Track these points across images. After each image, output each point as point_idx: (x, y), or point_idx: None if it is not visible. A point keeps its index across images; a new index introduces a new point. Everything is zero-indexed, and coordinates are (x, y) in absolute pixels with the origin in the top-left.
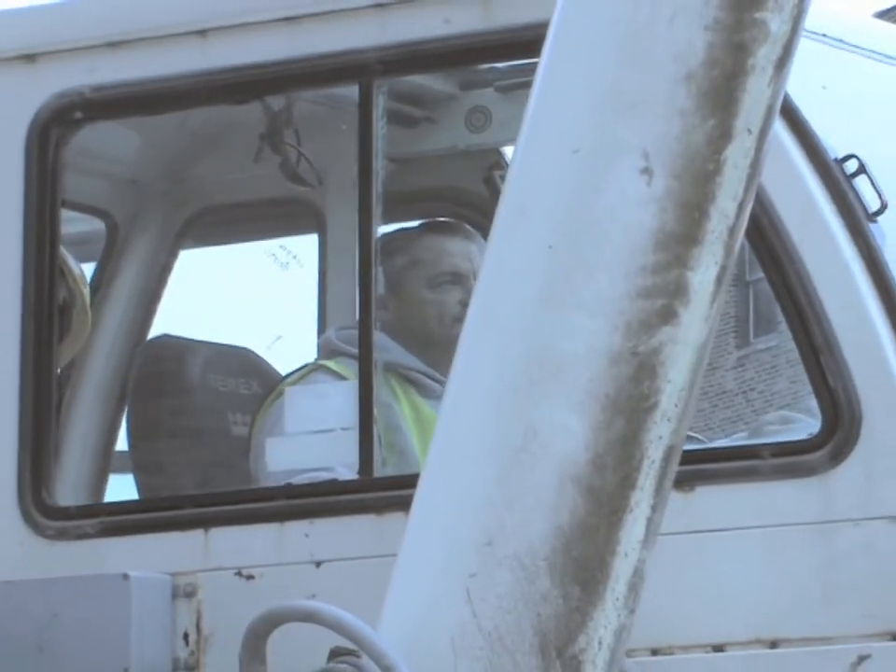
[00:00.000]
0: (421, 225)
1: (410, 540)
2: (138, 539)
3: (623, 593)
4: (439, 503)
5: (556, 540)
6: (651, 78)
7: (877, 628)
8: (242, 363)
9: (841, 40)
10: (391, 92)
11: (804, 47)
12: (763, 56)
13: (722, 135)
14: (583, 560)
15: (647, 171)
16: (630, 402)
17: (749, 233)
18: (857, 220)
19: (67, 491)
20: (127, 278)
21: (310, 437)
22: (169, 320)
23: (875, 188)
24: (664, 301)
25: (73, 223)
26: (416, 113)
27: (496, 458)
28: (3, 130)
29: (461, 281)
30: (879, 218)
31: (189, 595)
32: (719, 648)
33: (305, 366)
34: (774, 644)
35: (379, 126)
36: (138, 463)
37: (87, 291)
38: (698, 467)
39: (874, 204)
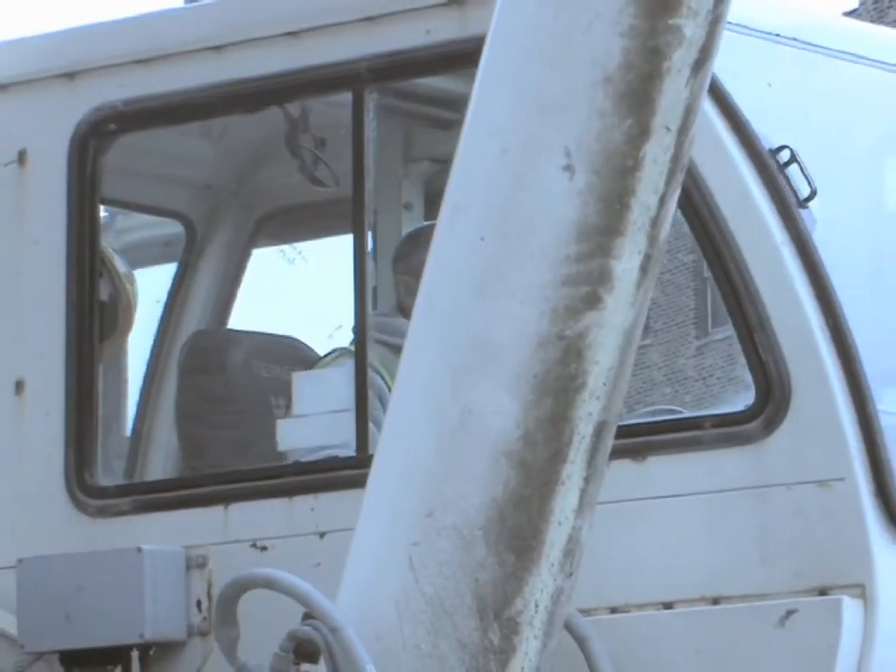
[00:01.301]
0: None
1: (363, 513)
2: (167, 515)
3: (559, 558)
4: (387, 478)
5: (491, 511)
6: (572, 82)
7: (806, 585)
8: (286, 351)
9: (795, 39)
10: (426, 97)
11: (753, 46)
12: (679, 59)
13: (640, 133)
14: (517, 529)
15: (569, 168)
16: (558, 383)
17: (689, 220)
18: (788, 207)
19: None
20: (205, 277)
21: (314, 418)
22: (245, 315)
23: (805, 176)
24: (588, 287)
25: (157, 227)
26: (451, 116)
27: (436, 436)
28: (48, 141)
29: None
30: (810, 205)
31: (201, 565)
32: (668, 605)
33: (335, 350)
34: (716, 601)
35: (370, 129)
36: (183, 441)
37: (132, 288)
38: (649, 438)
39: (804, 192)
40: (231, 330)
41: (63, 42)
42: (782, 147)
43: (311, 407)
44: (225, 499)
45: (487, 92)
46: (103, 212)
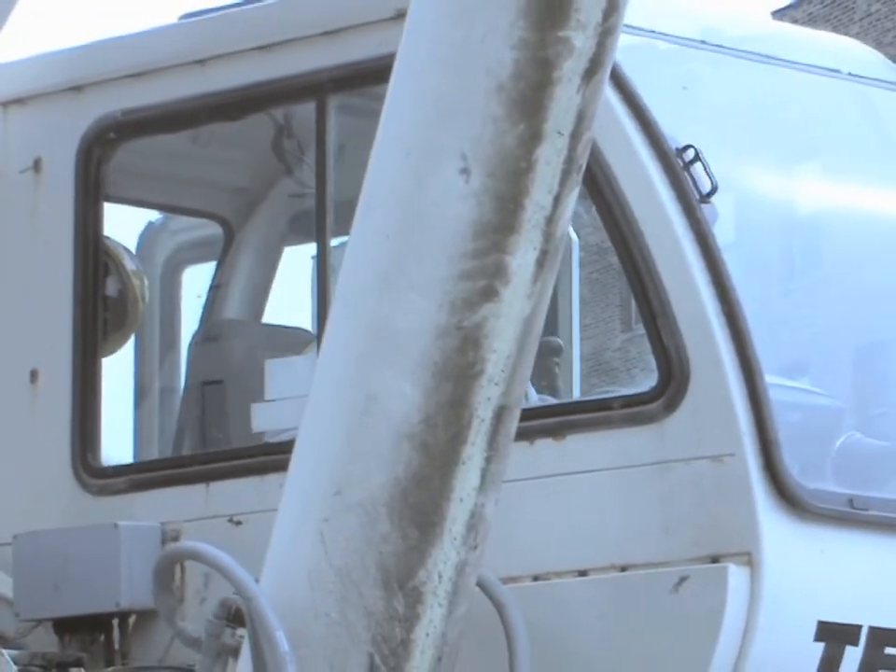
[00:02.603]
0: None
1: (284, 491)
2: (158, 493)
3: (462, 533)
4: (303, 458)
5: (394, 489)
6: (467, 90)
7: (700, 553)
8: (294, 341)
9: (711, 43)
10: None
11: (670, 51)
12: (569, 69)
13: (532, 138)
14: (419, 506)
15: (465, 170)
16: (457, 370)
17: (601, 215)
18: (689, 201)
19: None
20: (242, 275)
21: (285, 402)
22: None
23: (707, 173)
24: (484, 281)
25: (198, 229)
26: None
27: (344, 419)
28: (59, 150)
29: None
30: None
31: (175, 539)
32: (583, 573)
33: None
34: (624, 568)
35: (333, 136)
36: (181, 423)
37: (140, 285)
38: (567, 418)
39: (706, 188)
40: (239, 321)
41: (71, 58)
42: (688, 147)
43: (282, 391)
44: (206, 478)
45: (395, 100)
46: (157, 215)
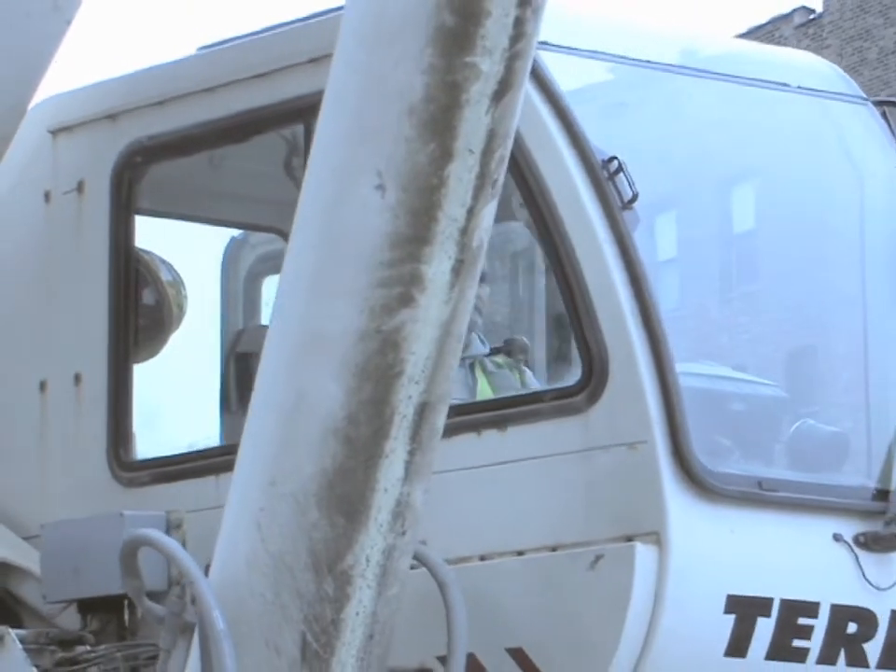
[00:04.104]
0: None
1: (232, 482)
2: (176, 485)
3: (388, 520)
4: (244, 452)
5: (322, 480)
6: (382, 113)
7: (618, 533)
8: None
9: (670, 65)
10: None
11: (608, 69)
12: (477, 91)
13: (443, 156)
14: (346, 496)
15: (381, 186)
16: (378, 371)
17: (534, 222)
18: (611, 209)
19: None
20: None
21: None
22: None
23: (629, 183)
24: (401, 289)
25: (273, 242)
26: None
27: (277, 416)
28: (98, 172)
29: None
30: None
31: (178, 527)
32: (521, 553)
33: None
34: (555, 548)
35: None
36: (225, 419)
37: (175, 293)
38: (508, 411)
39: (628, 196)
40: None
41: (107, 89)
42: (612, 158)
43: None
44: (216, 470)
45: (323, 123)
46: (238, 232)
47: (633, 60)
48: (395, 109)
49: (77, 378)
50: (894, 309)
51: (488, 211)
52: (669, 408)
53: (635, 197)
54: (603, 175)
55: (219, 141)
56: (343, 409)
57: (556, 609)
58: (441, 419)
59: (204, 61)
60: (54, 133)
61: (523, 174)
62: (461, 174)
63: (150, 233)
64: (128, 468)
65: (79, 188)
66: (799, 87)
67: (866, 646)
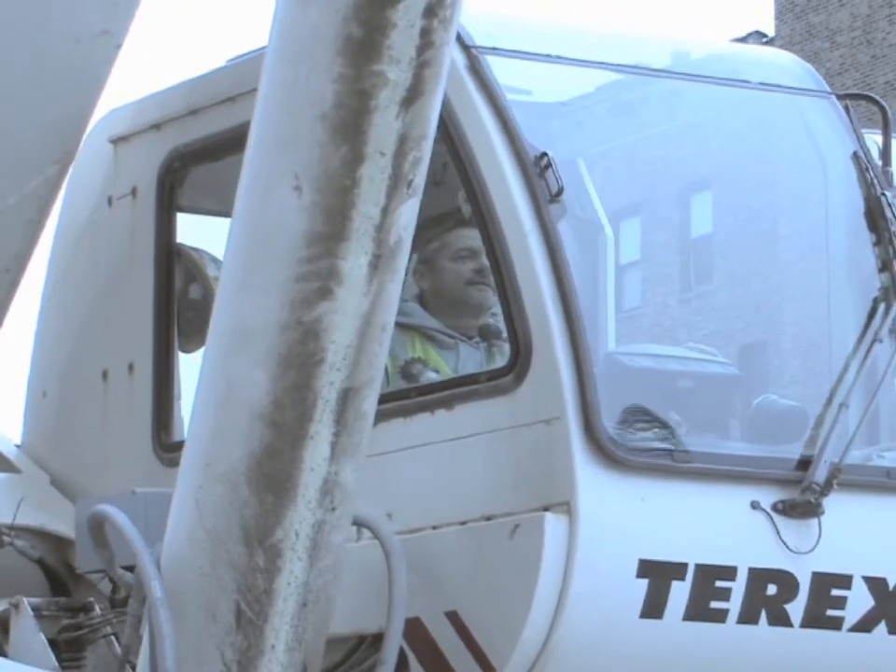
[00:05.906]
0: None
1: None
2: None
3: (316, 497)
4: (188, 437)
5: (251, 461)
6: (297, 120)
7: (537, 504)
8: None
9: (624, 65)
10: None
11: (554, 71)
12: (386, 97)
13: (355, 159)
14: (273, 475)
15: (297, 188)
16: (300, 359)
17: (474, 214)
18: (538, 201)
19: None
20: None
21: None
22: None
23: (556, 177)
24: (320, 283)
25: None
26: None
27: (211, 403)
28: (147, 178)
29: (475, 255)
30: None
31: None
32: (463, 523)
33: None
34: (489, 518)
35: None
36: None
37: None
38: (454, 391)
39: (555, 189)
40: None
41: (155, 100)
42: (543, 154)
43: None
44: None
45: (252, 131)
46: None
47: (591, 63)
48: (309, 116)
49: (131, 367)
50: (847, 300)
51: (406, 209)
52: (582, 386)
53: (561, 190)
54: (534, 170)
55: (239, 149)
56: (269, 395)
57: (483, 576)
58: (367, 403)
59: (228, 72)
60: (114, 142)
61: (465, 169)
62: (373, 175)
63: (200, 233)
64: (168, 448)
65: (133, 192)
66: (761, 83)
67: (788, 606)
